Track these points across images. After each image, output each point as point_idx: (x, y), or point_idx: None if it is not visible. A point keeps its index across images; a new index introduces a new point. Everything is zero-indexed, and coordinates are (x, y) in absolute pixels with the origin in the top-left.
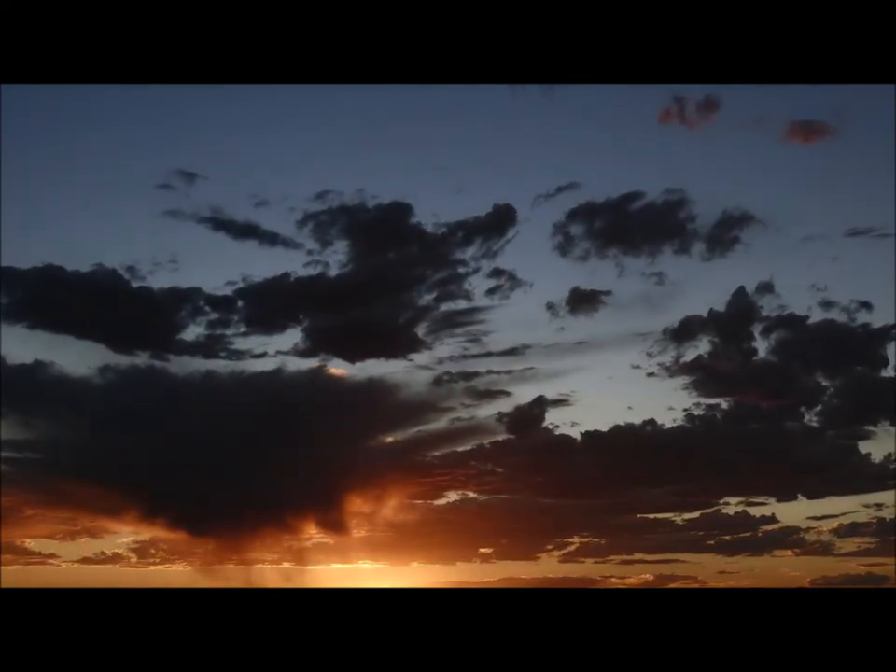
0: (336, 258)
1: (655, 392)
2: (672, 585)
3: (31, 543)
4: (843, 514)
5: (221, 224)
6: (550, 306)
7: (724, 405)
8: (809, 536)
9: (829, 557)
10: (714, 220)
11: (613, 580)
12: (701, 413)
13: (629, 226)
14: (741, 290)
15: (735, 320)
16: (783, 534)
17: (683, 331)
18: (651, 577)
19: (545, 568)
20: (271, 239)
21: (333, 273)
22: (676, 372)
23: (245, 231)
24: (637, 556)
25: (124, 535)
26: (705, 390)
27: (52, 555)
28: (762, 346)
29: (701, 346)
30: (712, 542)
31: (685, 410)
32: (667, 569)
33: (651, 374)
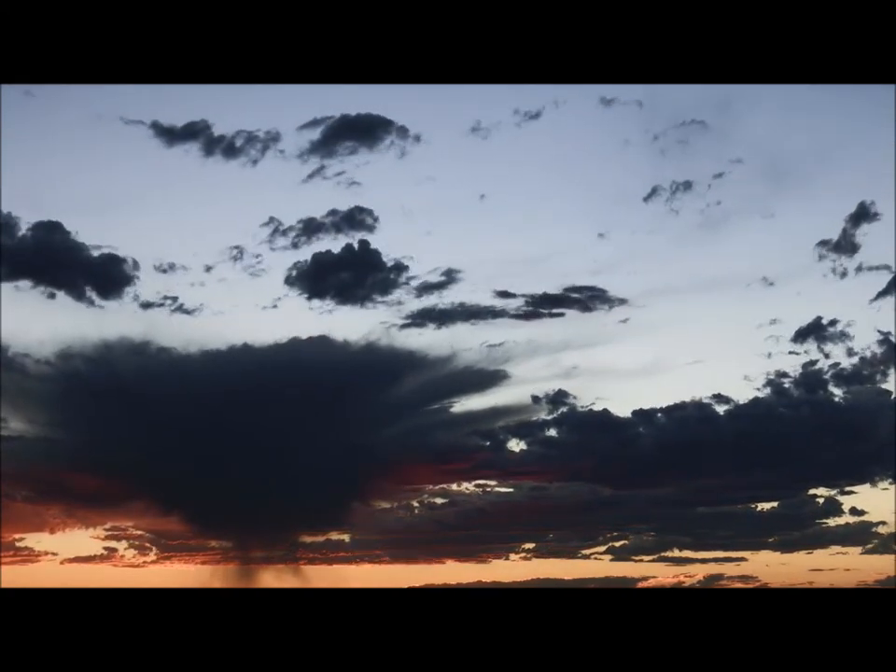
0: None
1: (724, 357)
2: (732, 585)
3: (27, 539)
4: None
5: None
6: (601, 235)
7: (801, 370)
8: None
9: None
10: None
11: (661, 579)
12: (779, 381)
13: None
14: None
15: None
16: (864, 528)
17: (761, 285)
18: (703, 576)
19: (591, 567)
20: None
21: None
22: (752, 333)
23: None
24: (693, 554)
25: (124, 531)
26: (782, 355)
27: (50, 553)
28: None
29: (783, 301)
30: (779, 538)
31: (760, 380)
32: (728, 569)
33: (721, 332)
